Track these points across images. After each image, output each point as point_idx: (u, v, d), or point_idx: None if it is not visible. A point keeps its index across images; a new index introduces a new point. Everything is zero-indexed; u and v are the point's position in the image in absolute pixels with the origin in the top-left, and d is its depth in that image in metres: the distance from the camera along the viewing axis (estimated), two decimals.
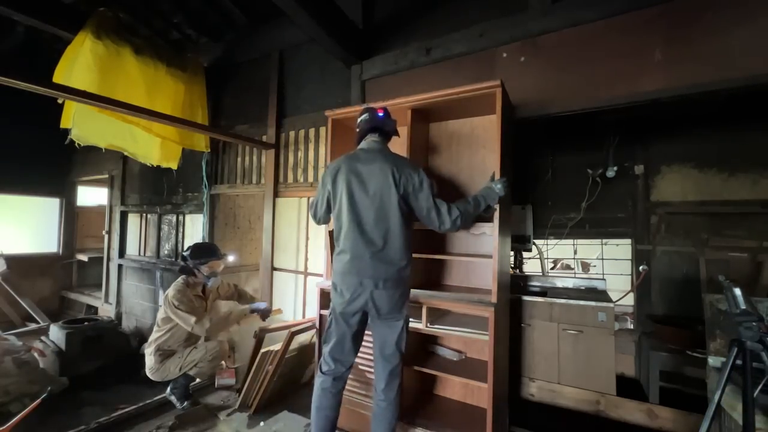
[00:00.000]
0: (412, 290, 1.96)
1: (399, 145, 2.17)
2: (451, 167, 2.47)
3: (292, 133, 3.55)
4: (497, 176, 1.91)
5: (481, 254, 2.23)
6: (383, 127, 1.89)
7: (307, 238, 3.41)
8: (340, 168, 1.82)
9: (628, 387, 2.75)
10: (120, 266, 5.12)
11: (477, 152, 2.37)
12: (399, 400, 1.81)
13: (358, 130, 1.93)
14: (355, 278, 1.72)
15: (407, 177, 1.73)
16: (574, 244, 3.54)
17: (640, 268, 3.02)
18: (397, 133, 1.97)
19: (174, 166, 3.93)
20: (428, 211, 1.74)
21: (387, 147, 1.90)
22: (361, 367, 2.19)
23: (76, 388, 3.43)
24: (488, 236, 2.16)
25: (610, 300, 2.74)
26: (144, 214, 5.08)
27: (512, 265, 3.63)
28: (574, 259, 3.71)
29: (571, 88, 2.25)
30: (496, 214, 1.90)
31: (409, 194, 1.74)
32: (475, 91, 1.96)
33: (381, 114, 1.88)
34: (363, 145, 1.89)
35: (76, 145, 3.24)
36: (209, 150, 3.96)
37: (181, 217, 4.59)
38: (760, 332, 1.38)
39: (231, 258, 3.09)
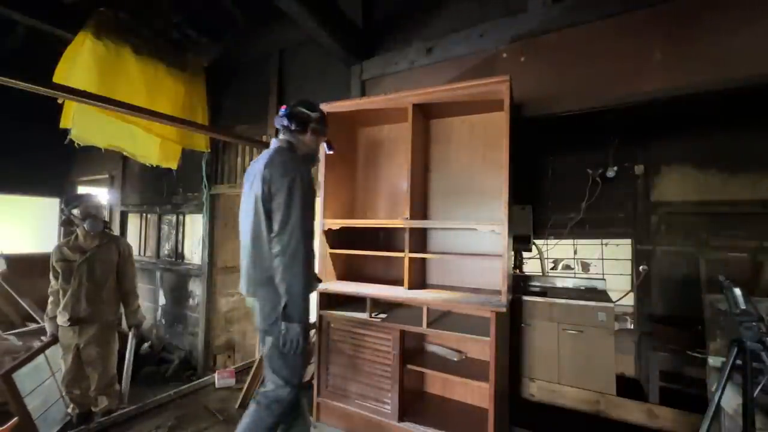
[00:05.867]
0: (415, 288, 1.94)
1: (402, 142, 2.15)
2: (451, 164, 2.47)
3: None
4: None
5: (484, 253, 2.23)
6: (282, 123, 1.66)
7: None
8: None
9: (628, 387, 2.74)
10: None
11: (477, 150, 2.38)
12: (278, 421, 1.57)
13: None
14: (244, 284, 1.66)
15: (272, 176, 1.51)
16: (574, 244, 3.53)
17: (640, 268, 3.01)
18: (304, 129, 1.67)
19: (174, 166, 3.93)
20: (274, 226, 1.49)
21: (288, 143, 1.66)
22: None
23: None
24: (484, 233, 2.16)
25: (610, 300, 2.74)
26: (144, 214, 5.08)
27: (512, 265, 3.63)
28: (574, 259, 3.71)
29: (571, 88, 2.25)
30: (505, 211, 1.88)
31: (270, 197, 1.51)
32: (482, 86, 1.95)
33: (283, 110, 1.65)
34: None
35: (75, 145, 3.24)
36: (209, 150, 3.96)
37: (181, 217, 4.59)
38: (760, 332, 1.38)
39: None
